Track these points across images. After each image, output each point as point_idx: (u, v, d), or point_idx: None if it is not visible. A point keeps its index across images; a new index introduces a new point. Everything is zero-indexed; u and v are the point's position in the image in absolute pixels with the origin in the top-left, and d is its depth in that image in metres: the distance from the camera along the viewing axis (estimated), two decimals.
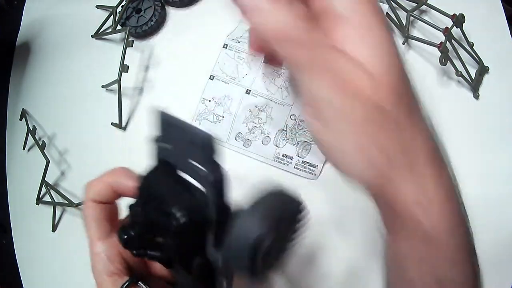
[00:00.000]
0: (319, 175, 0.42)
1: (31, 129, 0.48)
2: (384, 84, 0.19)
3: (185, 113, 0.45)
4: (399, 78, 0.20)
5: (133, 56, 0.49)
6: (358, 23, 0.20)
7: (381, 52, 0.20)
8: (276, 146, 0.42)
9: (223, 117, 0.44)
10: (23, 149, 0.49)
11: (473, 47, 0.43)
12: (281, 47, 0.20)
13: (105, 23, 0.51)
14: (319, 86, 0.19)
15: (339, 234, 0.40)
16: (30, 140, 0.49)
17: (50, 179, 0.46)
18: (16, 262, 0.46)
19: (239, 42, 0.46)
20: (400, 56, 0.20)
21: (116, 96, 0.46)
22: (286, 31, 0.19)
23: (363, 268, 0.39)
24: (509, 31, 0.45)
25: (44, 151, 0.46)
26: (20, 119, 0.50)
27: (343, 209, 0.41)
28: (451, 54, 0.41)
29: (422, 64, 0.44)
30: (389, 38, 0.20)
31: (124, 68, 0.45)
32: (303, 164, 0.42)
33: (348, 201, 0.41)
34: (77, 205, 0.44)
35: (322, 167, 0.42)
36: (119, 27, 0.50)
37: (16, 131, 0.51)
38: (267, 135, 0.43)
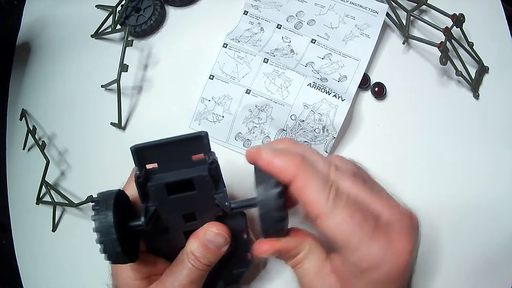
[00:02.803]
0: None
1: (31, 129, 0.48)
2: None
3: (185, 113, 0.46)
4: None
5: (133, 56, 0.49)
6: None
7: None
8: None
9: (223, 117, 0.44)
10: (23, 149, 0.49)
11: (473, 47, 0.43)
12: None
13: (104, 22, 0.51)
14: None
15: None
16: (30, 140, 0.49)
17: (50, 179, 0.46)
18: (16, 262, 0.46)
19: (239, 41, 0.45)
20: None
21: (116, 96, 0.46)
22: None
23: None
24: (509, 31, 0.45)
25: (44, 151, 0.46)
26: (20, 119, 0.50)
27: None
28: (451, 54, 0.41)
29: (422, 64, 0.44)
30: None
31: (123, 67, 0.45)
32: None
33: None
34: (77, 205, 0.44)
35: None
36: (118, 26, 0.50)
37: (16, 131, 0.51)
38: (267, 135, 0.43)
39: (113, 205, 0.26)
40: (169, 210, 0.28)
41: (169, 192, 0.27)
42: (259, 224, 0.27)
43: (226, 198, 0.28)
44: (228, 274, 0.32)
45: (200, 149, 0.27)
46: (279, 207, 0.26)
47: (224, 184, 0.28)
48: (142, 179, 0.27)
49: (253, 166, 0.28)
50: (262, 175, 0.27)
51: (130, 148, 0.26)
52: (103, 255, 0.26)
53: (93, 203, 0.26)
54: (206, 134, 0.26)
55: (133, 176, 0.27)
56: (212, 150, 0.28)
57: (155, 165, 0.28)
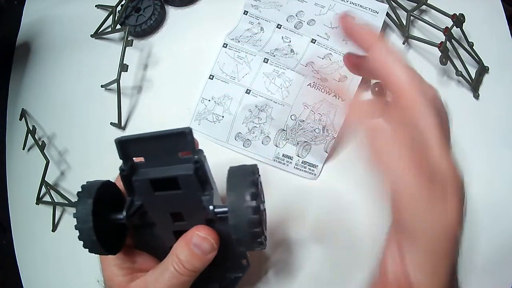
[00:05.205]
0: (319, 175, 0.42)
1: (31, 129, 0.48)
2: None
3: (185, 113, 0.46)
4: None
5: (133, 55, 0.49)
6: None
7: None
8: (276, 146, 0.42)
9: (222, 117, 0.44)
10: (23, 149, 0.49)
11: (473, 47, 0.43)
12: None
13: (104, 22, 0.51)
14: None
15: (339, 233, 0.40)
16: (30, 140, 0.49)
17: (50, 179, 0.46)
18: (16, 262, 0.46)
19: (239, 41, 0.45)
20: None
21: (116, 96, 0.46)
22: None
23: (363, 267, 0.39)
24: (509, 31, 0.45)
25: (44, 151, 0.46)
26: (20, 119, 0.50)
27: (343, 209, 0.41)
28: (451, 54, 0.41)
29: (422, 64, 0.44)
30: None
31: (123, 67, 0.45)
32: (303, 164, 0.42)
33: (348, 201, 0.41)
34: None
35: (322, 167, 0.42)
36: (118, 26, 0.50)
37: (16, 131, 0.51)
38: (267, 135, 0.43)
39: (95, 194, 0.26)
40: (155, 207, 0.27)
41: (155, 188, 0.26)
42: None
43: (211, 201, 0.26)
44: (223, 277, 0.31)
45: (186, 147, 0.26)
46: (253, 220, 0.24)
47: (213, 186, 0.27)
48: (126, 172, 0.26)
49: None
50: (237, 174, 0.25)
51: (115, 140, 0.26)
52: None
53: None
54: (190, 130, 0.25)
55: None
56: (200, 148, 0.26)
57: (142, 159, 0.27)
